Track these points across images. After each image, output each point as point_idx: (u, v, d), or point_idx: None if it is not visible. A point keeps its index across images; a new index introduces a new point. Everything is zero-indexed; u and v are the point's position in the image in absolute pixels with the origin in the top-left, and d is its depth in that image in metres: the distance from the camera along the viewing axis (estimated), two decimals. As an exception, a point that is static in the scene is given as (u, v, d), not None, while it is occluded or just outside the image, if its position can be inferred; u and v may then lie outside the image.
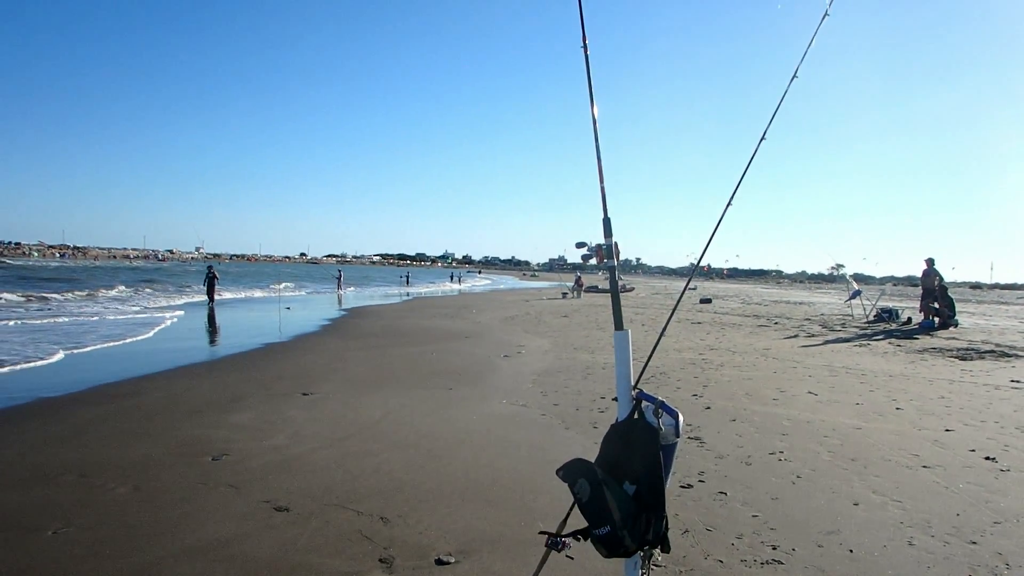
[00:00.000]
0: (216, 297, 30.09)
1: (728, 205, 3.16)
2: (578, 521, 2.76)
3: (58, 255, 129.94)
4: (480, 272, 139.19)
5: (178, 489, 5.53)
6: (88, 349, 14.15)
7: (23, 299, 27.59)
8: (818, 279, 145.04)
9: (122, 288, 36.97)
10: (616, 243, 2.84)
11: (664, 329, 3.62)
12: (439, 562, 4.24)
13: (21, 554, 4.28)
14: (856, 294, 25.33)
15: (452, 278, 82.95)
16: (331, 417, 8.20)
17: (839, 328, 19.93)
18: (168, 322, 20.87)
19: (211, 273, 29.93)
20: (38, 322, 19.23)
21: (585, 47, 3.01)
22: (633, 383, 2.82)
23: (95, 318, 21.43)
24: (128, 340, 15.85)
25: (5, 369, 11.37)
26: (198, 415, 8.18)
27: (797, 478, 5.93)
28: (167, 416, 8.13)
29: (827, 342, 16.67)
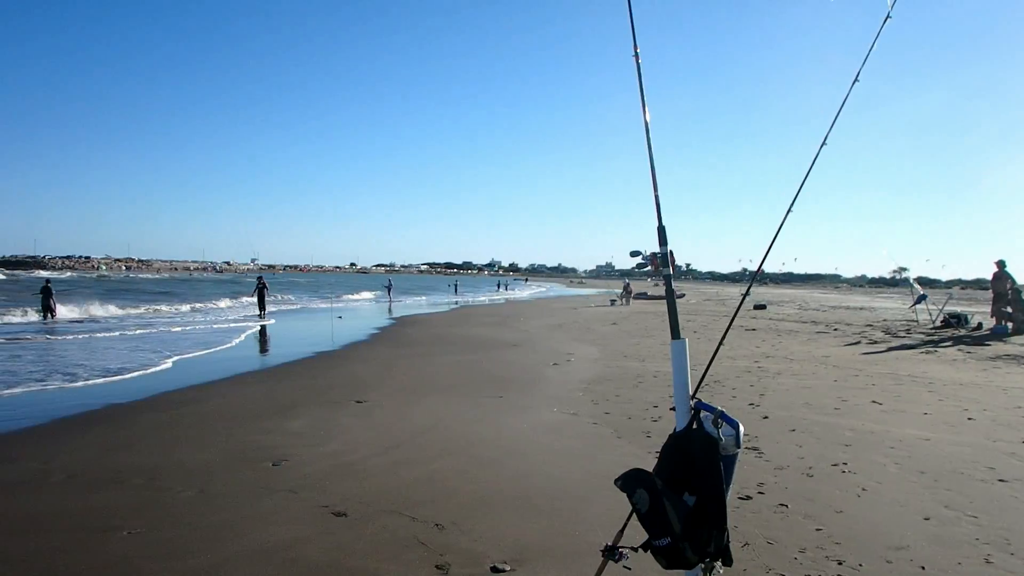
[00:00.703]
0: (268, 308, 30.45)
1: (788, 212, 3.12)
2: (636, 532, 2.74)
3: (124, 268, 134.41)
4: (527, 280, 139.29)
5: (240, 493, 5.66)
6: (191, 355, 14.64)
7: (142, 311, 28.54)
8: (879, 283, 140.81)
9: (228, 301, 37.60)
10: (671, 251, 2.83)
11: (723, 338, 3.57)
12: (495, 570, 4.25)
13: (99, 553, 4.44)
14: (921, 299, 24.51)
15: (499, 286, 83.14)
16: (384, 425, 8.30)
17: (903, 335, 19.37)
18: (242, 336, 21.40)
19: (261, 283, 30.46)
20: (143, 332, 19.95)
21: (636, 55, 3.01)
22: (691, 392, 2.80)
23: (200, 327, 22.25)
24: (215, 349, 16.34)
25: (124, 376, 11.82)
26: (256, 421, 8.36)
27: (862, 491, 5.78)
28: (227, 422, 8.34)
29: (891, 349, 16.23)
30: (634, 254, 2.90)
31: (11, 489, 5.78)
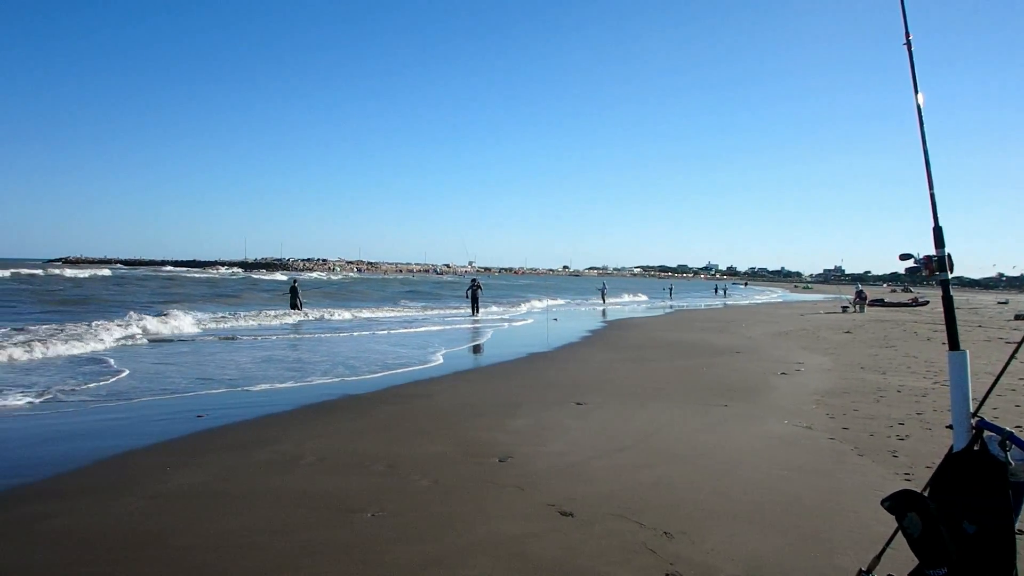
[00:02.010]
0: (481, 309, 31.49)
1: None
2: (896, 556, 2.48)
3: (355, 270, 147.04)
4: (746, 284, 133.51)
5: (471, 486, 5.91)
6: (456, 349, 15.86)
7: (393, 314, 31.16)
8: None
9: (454, 303, 39.89)
10: (949, 254, 2.54)
11: (1015, 352, 3.09)
12: (729, 585, 4.07)
13: (347, 531, 4.84)
14: None
15: (716, 290, 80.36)
16: (605, 427, 8.30)
17: None
18: (471, 335, 22.63)
19: (475, 285, 31.67)
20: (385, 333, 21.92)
21: (908, 43, 2.78)
22: (972, 410, 2.50)
23: (435, 327, 24.09)
24: (459, 348, 17.49)
25: (406, 368, 13.09)
26: (482, 418, 8.72)
27: None
28: (455, 417, 8.77)
29: None
30: (904, 256, 2.63)
31: (271, 468, 6.46)
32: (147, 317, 21.11)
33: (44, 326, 18.56)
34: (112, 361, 13.43)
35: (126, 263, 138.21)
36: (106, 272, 73.93)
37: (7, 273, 54.01)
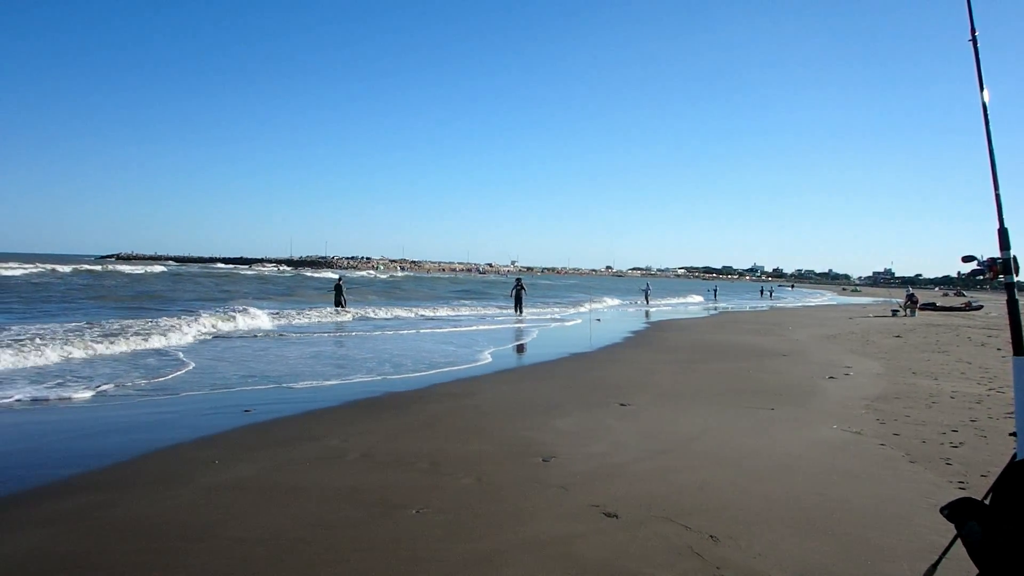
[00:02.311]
0: (525, 309, 31.43)
1: None
2: (952, 567, 2.42)
3: (399, 268, 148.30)
4: (792, 286, 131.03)
5: (514, 485, 5.93)
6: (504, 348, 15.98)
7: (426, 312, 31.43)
8: None
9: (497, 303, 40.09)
10: (1015, 256, 2.47)
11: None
12: (777, 591, 4.01)
13: (391, 527, 4.89)
14: None
15: (762, 292, 79.15)
16: (649, 429, 8.25)
17: None
18: (514, 335, 22.70)
19: (519, 285, 31.67)
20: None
21: (974, 39, 2.71)
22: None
23: (483, 327, 24.18)
24: (496, 348, 17.59)
25: (450, 367, 13.24)
26: (526, 418, 8.73)
27: None
28: (499, 416, 8.80)
29: None
30: (967, 259, 2.57)
31: (317, 463, 6.55)
32: (219, 312, 21.83)
33: (119, 321, 19.03)
34: (181, 355, 13.85)
35: (176, 260, 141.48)
36: (161, 268, 75.81)
37: (68, 268, 55.78)
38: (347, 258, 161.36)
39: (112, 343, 14.41)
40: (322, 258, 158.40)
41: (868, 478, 6.38)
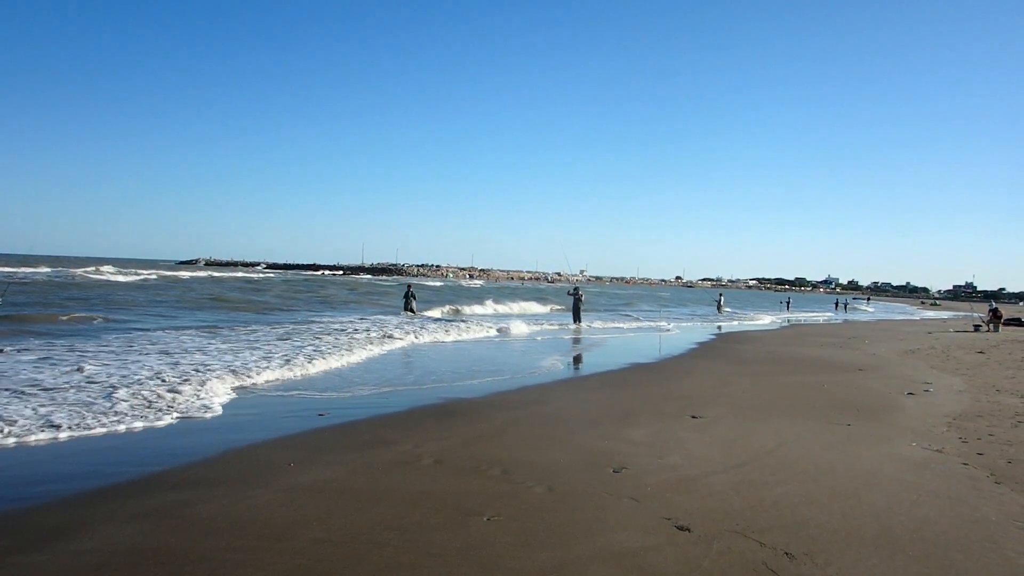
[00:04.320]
0: (596, 321, 31.24)
1: None
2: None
3: (468, 276, 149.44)
4: (868, 299, 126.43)
5: (586, 495, 5.93)
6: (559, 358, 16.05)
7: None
8: None
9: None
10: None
11: None
12: (858, 613, 3.91)
13: (464, 534, 4.96)
14: None
15: (837, 305, 76.60)
16: (722, 442, 8.12)
17: None
18: (574, 344, 22.66)
19: (577, 295, 31.41)
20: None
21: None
22: None
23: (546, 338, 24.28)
24: (556, 356, 17.62)
25: (519, 374, 13.39)
26: (596, 427, 8.71)
27: None
28: (569, 425, 8.80)
29: None
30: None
31: (392, 467, 6.68)
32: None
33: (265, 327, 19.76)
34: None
35: (246, 265, 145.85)
36: (255, 275, 78.71)
37: (152, 274, 58.20)
38: (417, 265, 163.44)
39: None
40: (392, 265, 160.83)
41: (951, 498, 6.14)
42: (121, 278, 50.95)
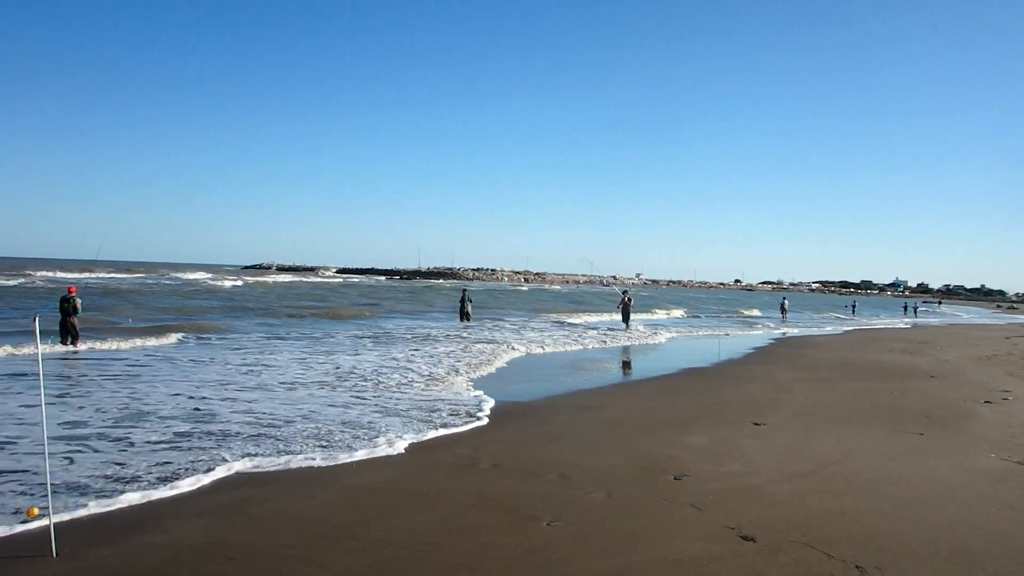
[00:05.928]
0: (630, 322, 30.81)
1: None
2: None
3: (523, 280, 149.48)
4: (940, 303, 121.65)
5: (645, 501, 5.85)
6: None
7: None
8: None
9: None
10: None
11: None
12: (934, 631, 3.75)
13: (524, 538, 4.95)
14: None
15: (906, 309, 74.03)
16: (785, 450, 7.92)
17: None
18: (629, 349, 22.52)
19: (626, 299, 31.01)
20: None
21: None
22: None
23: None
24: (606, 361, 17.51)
25: (573, 379, 13.44)
26: (654, 432, 8.60)
27: None
28: (627, 430, 8.72)
29: None
30: None
31: (451, 470, 6.72)
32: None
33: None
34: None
35: (307, 269, 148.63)
36: (339, 280, 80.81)
37: (288, 278, 58.63)
38: (473, 269, 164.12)
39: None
40: (448, 269, 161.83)
41: (1035, 513, 5.86)
42: (227, 283, 53.04)
